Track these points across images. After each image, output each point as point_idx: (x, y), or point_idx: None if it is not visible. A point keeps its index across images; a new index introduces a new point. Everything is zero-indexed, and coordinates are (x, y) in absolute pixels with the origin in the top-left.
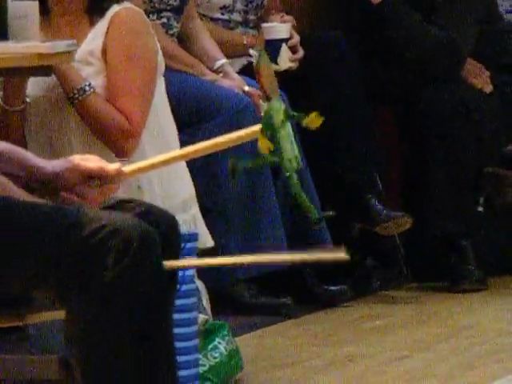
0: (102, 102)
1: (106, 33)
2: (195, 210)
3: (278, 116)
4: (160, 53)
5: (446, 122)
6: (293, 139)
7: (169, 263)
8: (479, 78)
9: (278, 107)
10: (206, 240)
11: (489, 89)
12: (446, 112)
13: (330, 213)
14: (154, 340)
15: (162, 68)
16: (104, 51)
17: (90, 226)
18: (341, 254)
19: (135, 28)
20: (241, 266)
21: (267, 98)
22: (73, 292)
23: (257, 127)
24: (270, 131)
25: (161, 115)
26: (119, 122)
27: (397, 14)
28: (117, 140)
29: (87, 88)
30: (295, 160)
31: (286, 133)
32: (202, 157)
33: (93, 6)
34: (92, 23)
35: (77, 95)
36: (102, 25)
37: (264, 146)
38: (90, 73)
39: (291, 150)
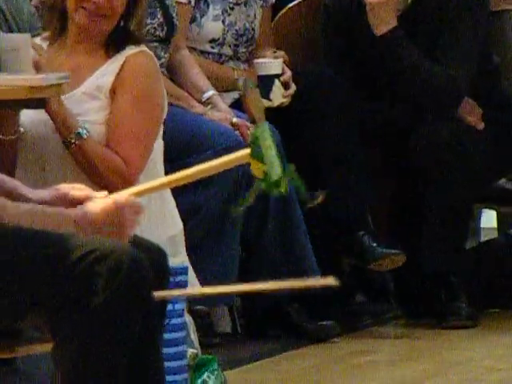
0: (97, 145)
1: (119, 72)
2: (183, 254)
3: (265, 140)
4: (165, 96)
5: (440, 158)
6: (279, 161)
7: (158, 293)
8: (473, 115)
9: (265, 131)
10: (195, 286)
11: (481, 126)
12: (440, 148)
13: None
14: (144, 367)
15: (165, 112)
16: (113, 90)
17: (79, 252)
18: (330, 281)
19: (148, 73)
20: (236, 294)
21: (254, 123)
22: (62, 319)
23: (246, 151)
24: (258, 155)
25: (155, 153)
26: (116, 165)
27: (398, 48)
28: (113, 183)
29: (83, 132)
30: (282, 181)
31: (273, 156)
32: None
33: (112, 40)
34: (108, 56)
35: (73, 140)
36: (115, 62)
37: (258, 169)
38: (93, 107)
39: (277, 172)
